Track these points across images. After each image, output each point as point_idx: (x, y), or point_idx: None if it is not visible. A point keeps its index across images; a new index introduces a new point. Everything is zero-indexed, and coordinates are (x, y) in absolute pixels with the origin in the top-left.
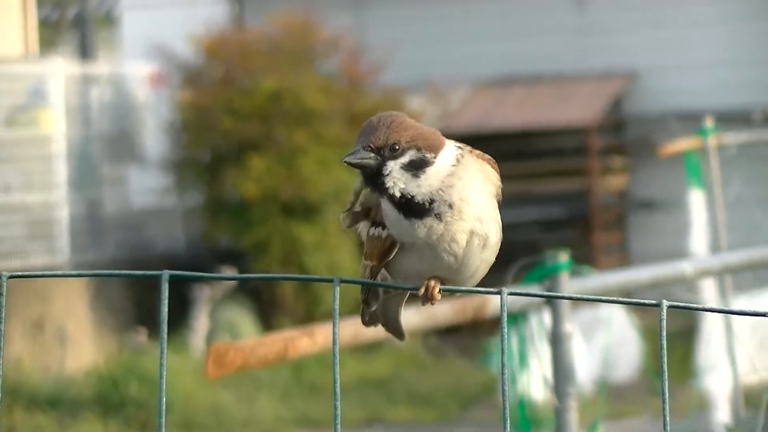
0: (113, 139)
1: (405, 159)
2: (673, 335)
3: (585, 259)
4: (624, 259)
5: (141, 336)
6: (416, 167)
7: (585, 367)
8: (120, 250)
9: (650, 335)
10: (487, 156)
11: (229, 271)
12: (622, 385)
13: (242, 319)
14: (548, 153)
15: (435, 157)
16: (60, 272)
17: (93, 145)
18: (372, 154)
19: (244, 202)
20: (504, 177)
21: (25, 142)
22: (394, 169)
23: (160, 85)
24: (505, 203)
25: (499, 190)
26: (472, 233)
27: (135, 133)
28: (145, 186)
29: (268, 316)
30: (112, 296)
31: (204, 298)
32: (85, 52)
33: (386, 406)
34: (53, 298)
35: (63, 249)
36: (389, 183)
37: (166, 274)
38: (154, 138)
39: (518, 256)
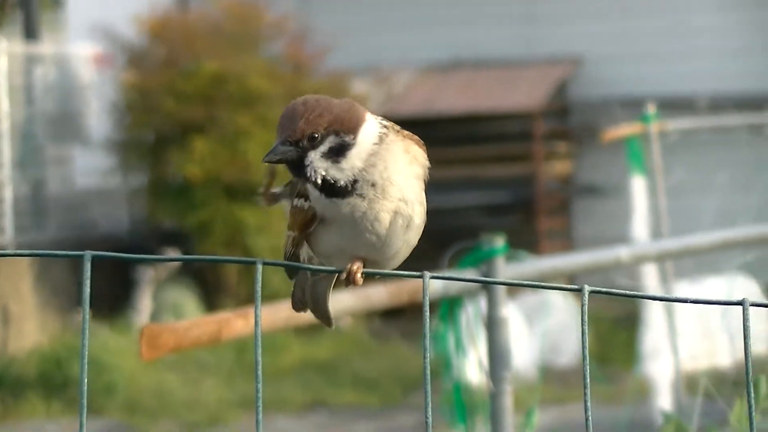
0: (57, 119)
1: (324, 147)
2: (617, 321)
3: (529, 244)
4: (568, 244)
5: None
6: (337, 153)
7: (528, 352)
8: (63, 231)
9: (591, 321)
10: (415, 136)
11: (172, 253)
12: (564, 370)
13: (186, 300)
14: (493, 138)
15: (355, 138)
16: None
17: (37, 125)
18: (291, 148)
19: (187, 184)
20: (448, 162)
21: None
22: (314, 158)
23: (105, 66)
24: (448, 188)
25: (426, 171)
26: (396, 213)
27: (79, 113)
28: (89, 166)
29: (212, 298)
30: (56, 276)
31: (148, 279)
32: (29, 31)
33: (329, 390)
34: None
35: (6, 229)
36: (310, 172)
37: (88, 254)
38: (98, 119)
39: (460, 240)
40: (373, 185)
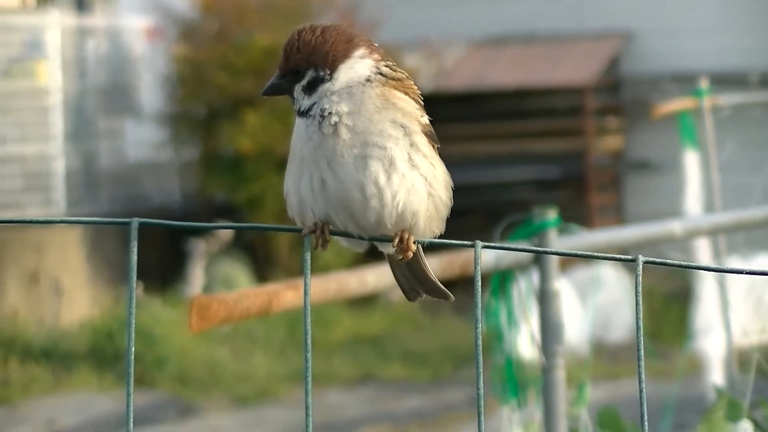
0: (109, 92)
1: (305, 81)
2: (668, 297)
3: (580, 219)
4: (619, 220)
5: (138, 288)
6: (311, 87)
7: (579, 327)
8: (115, 204)
9: (644, 296)
10: (407, 81)
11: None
12: (616, 346)
13: (237, 273)
14: (543, 113)
15: (331, 75)
16: (29, 219)
17: (89, 98)
18: (282, 81)
19: (239, 158)
20: (498, 136)
21: (21, 94)
22: (297, 92)
23: (156, 39)
24: (499, 162)
25: (417, 116)
26: (364, 158)
27: (131, 86)
28: (141, 139)
29: (263, 271)
30: (108, 249)
31: (199, 252)
32: (81, 4)
33: (380, 364)
34: (48, 250)
35: (59, 201)
36: (294, 103)
37: (135, 221)
38: (149, 92)
39: (510, 215)
40: (333, 124)
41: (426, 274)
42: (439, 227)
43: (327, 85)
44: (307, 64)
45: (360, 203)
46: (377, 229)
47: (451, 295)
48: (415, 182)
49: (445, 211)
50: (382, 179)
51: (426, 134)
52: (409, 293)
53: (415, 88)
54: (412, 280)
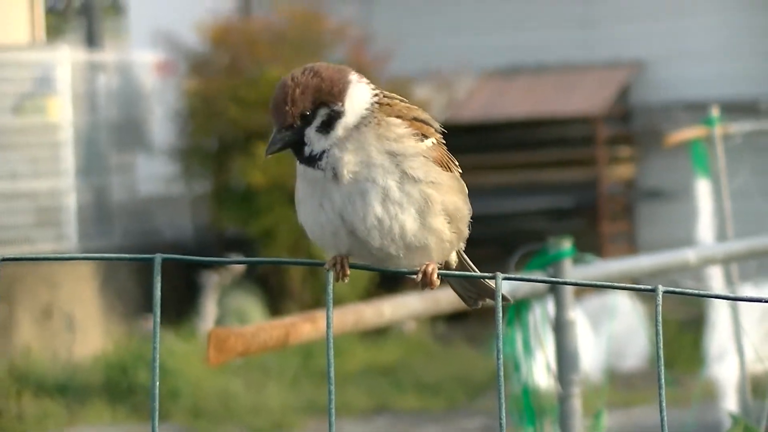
0: (120, 127)
1: (318, 121)
2: (682, 325)
3: (592, 248)
4: (632, 248)
5: (150, 322)
6: (328, 124)
7: (593, 355)
8: (127, 238)
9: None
10: (399, 104)
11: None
12: (630, 374)
13: (250, 305)
14: (555, 142)
15: (343, 106)
16: (51, 255)
17: (100, 133)
18: (288, 132)
19: (251, 191)
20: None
21: (32, 130)
22: (311, 135)
23: (167, 73)
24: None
25: (414, 141)
26: (361, 194)
27: (142, 120)
28: (152, 173)
29: (276, 303)
30: (121, 283)
31: (212, 284)
32: (91, 39)
33: (394, 394)
34: (61, 285)
35: (70, 236)
36: (310, 150)
37: (158, 257)
38: (160, 126)
39: (524, 245)
40: (337, 172)
41: (481, 282)
42: (460, 238)
43: (343, 120)
44: (314, 104)
45: (365, 237)
46: (392, 261)
47: (509, 298)
48: (412, 211)
49: (463, 222)
50: (379, 209)
51: (424, 156)
52: (468, 300)
53: (412, 108)
54: (468, 287)
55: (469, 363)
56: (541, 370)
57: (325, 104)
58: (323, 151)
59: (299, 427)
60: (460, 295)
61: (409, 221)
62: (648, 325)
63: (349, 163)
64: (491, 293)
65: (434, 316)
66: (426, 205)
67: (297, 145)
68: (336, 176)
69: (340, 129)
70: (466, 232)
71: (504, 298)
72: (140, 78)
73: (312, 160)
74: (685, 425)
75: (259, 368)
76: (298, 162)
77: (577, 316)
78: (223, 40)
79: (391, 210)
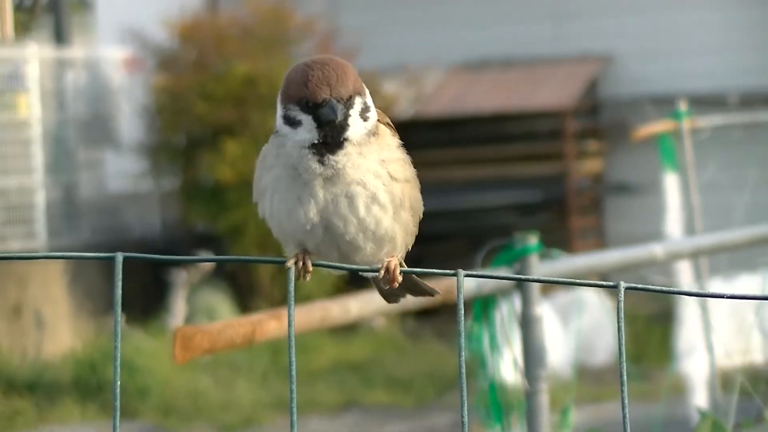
0: (88, 123)
1: (357, 108)
2: (651, 319)
3: (561, 242)
4: (600, 242)
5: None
6: (364, 114)
7: (561, 350)
8: (96, 235)
9: (626, 319)
10: (380, 115)
11: (204, 255)
12: (599, 369)
13: (220, 303)
14: (523, 137)
15: (371, 101)
16: (11, 254)
17: (68, 130)
18: (343, 107)
19: (219, 187)
20: (478, 161)
21: (1, 127)
22: (353, 118)
23: (135, 69)
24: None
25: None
26: (349, 196)
27: (110, 117)
28: (121, 170)
29: (245, 300)
30: (90, 280)
31: (181, 281)
32: (59, 36)
33: (363, 390)
34: (30, 283)
35: (40, 233)
36: (348, 133)
37: (119, 256)
38: (129, 122)
39: (493, 239)
40: (337, 163)
41: (410, 277)
42: (416, 231)
43: (371, 115)
44: (354, 90)
45: (341, 232)
46: (357, 254)
47: (437, 290)
48: (390, 209)
49: (419, 215)
50: (362, 212)
51: (402, 158)
52: (389, 296)
53: (380, 113)
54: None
55: (438, 359)
56: (508, 366)
57: (359, 94)
58: (345, 141)
59: (269, 423)
60: (381, 292)
61: (386, 218)
62: (615, 319)
63: (354, 165)
64: (415, 289)
65: (404, 312)
66: (401, 201)
67: (340, 125)
68: (335, 174)
69: (370, 123)
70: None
71: (429, 292)
72: (108, 74)
73: (334, 148)
74: (653, 420)
75: (228, 365)
76: (279, 146)
77: (546, 311)
78: (191, 35)
79: (372, 210)
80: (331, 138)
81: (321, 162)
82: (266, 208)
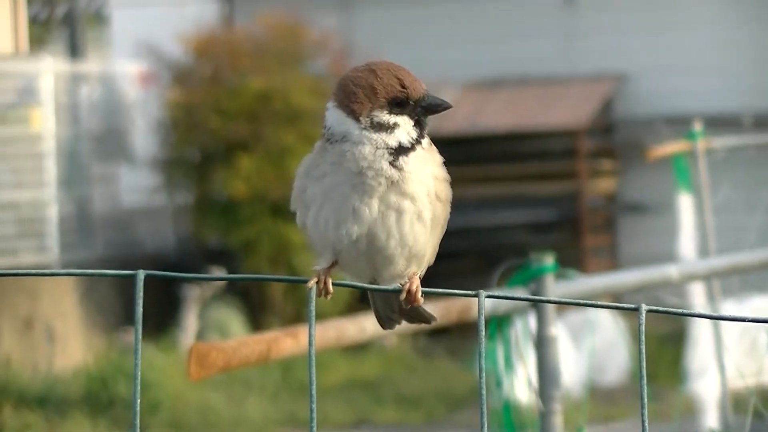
0: (102, 138)
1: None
2: (663, 339)
3: (574, 262)
4: (613, 262)
5: (130, 335)
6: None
7: (574, 370)
8: (109, 249)
9: (638, 339)
10: None
11: (217, 272)
12: (611, 389)
13: (231, 318)
14: (537, 155)
15: None
16: (31, 271)
17: (82, 144)
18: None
19: (232, 202)
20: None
21: (15, 140)
22: (425, 122)
23: (150, 84)
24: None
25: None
26: (398, 210)
27: (124, 131)
28: (135, 184)
29: (257, 316)
30: (102, 295)
31: (193, 297)
32: (74, 50)
33: (374, 408)
34: (42, 297)
35: (52, 247)
36: (408, 133)
37: (141, 273)
38: (143, 137)
39: (506, 258)
40: (401, 169)
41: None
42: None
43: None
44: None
45: (382, 246)
46: (389, 268)
47: (435, 316)
48: (428, 226)
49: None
50: (407, 227)
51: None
52: (386, 322)
53: None
54: (394, 310)
55: (449, 377)
56: (522, 386)
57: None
58: (419, 143)
59: None
60: (378, 317)
61: (424, 235)
62: (629, 340)
63: (416, 172)
64: (414, 316)
65: (415, 331)
66: (438, 220)
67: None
68: (400, 179)
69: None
70: None
71: (426, 319)
72: (123, 89)
73: (408, 150)
74: None
75: (239, 381)
76: (340, 155)
77: (559, 330)
78: (206, 50)
79: (415, 226)
80: (420, 136)
81: (393, 164)
82: (309, 219)
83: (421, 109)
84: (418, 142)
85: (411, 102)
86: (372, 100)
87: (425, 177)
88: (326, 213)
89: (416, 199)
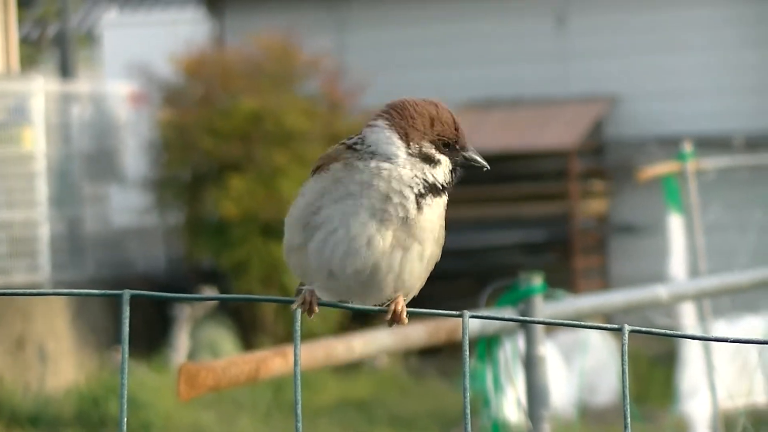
0: (94, 158)
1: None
2: (654, 360)
3: (565, 282)
4: (604, 283)
5: (118, 354)
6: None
7: (565, 390)
8: (100, 269)
9: (630, 360)
10: None
11: (209, 292)
12: (601, 409)
13: (223, 338)
14: (528, 176)
15: None
16: (18, 291)
17: (73, 163)
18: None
19: (224, 222)
20: (484, 200)
21: (6, 160)
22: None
23: (141, 104)
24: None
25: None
26: (405, 248)
27: (115, 151)
28: (126, 205)
29: (248, 336)
30: (93, 315)
31: (185, 317)
32: (65, 70)
33: (367, 428)
34: (34, 316)
35: (44, 267)
36: (442, 176)
37: (126, 293)
38: (134, 157)
39: (497, 279)
40: (411, 214)
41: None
42: None
43: None
44: None
45: (380, 279)
46: (376, 297)
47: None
48: (426, 264)
49: None
50: (408, 265)
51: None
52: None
53: None
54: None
55: (441, 397)
56: (511, 406)
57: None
58: (443, 189)
59: None
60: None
61: (420, 273)
62: (619, 360)
63: (430, 216)
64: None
65: (407, 350)
66: (435, 260)
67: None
68: (413, 220)
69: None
70: None
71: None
72: (114, 109)
73: (435, 192)
74: None
75: (230, 401)
76: (375, 174)
77: (550, 351)
78: (197, 71)
79: (415, 264)
80: (451, 183)
81: (418, 201)
82: (314, 242)
83: (462, 158)
84: (446, 189)
85: (457, 147)
86: (426, 132)
87: (436, 220)
88: (338, 239)
89: (424, 241)
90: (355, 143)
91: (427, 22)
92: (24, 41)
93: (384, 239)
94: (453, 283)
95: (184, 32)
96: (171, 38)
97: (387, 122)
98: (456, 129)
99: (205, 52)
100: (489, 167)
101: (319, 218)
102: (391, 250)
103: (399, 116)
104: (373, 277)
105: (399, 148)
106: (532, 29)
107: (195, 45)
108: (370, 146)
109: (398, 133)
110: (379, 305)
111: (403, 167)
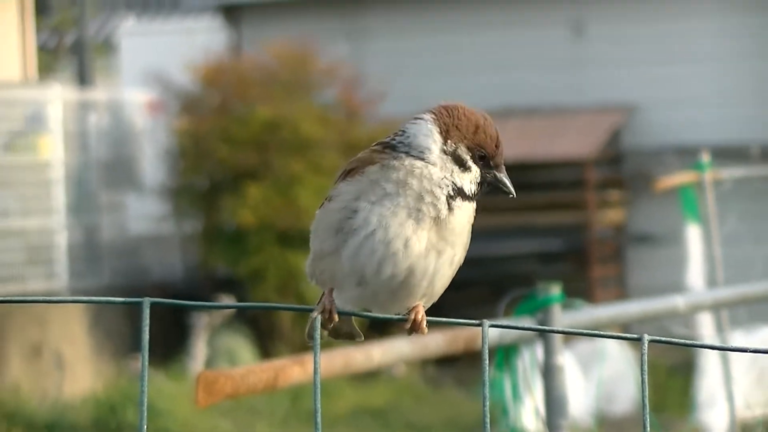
0: (111, 166)
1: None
2: (672, 369)
3: (582, 292)
4: (621, 292)
5: (138, 362)
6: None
7: (583, 399)
8: (117, 277)
9: (648, 369)
10: None
11: (226, 300)
12: (620, 418)
13: (240, 346)
14: (545, 185)
15: None
16: (39, 298)
17: (91, 171)
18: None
19: (240, 231)
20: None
21: (23, 168)
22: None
23: (158, 112)
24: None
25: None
26: (438, 251)
27: (132, 159)
28: (143, 213)
29: (266, 344)
30: (110, 322)
31: (202, 325)
32: (83, 78)
33: None
34: (51, 323)
35: (61, 274)
36: (476, 187)
37: (147, 301)
38: (151, 165)
39: (514, 288)
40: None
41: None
42: None
43: None
44: None
45: (414, 284)
46: (400, 304)
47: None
48: (453, 270)
49: None
50: (441, 268)
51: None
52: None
53: None
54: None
55: (458, 406)
56: (529, 415)
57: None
58: (471, 197)
59: None
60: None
61: (448, 279)
62: (637, 370)
63: (461, 218)
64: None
65: (424, 359)
66: (459, 265)
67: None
68: (445, 221)
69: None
70: None
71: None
72: (131, 117)
73: (463, 196)
74: None
75: (248, 409)
76: (409, 172)
77: (567, 360)
78: (214, 79)
79: (446, 270)
80: (477, 195)
81: (449, 201)
82: (349, 248)
83: (493, 176)
84: (472, 198)
85: (491, 164)
86: (467, 136)
87: (465, 224)
88: (376, 241)
89: (455, 245)
90: (393, 138)
91: (444, 31)
92: (41, 49)
93: (420, 241)
94: (467, 291)
95: (201, 41)
96: (188, 47)
97: (433, 116)
98: (497, 146)
99: (221, 60)
100: (515, 195)
101: (355, 222)
102: (426, 254)
103: (447, 114)
104: (407, 281)
105: (435, 143)
106: (548, 38)
107: (212, 53)
108: (408, 137)
109: (440, 129)
110: (399, 314)
111: (434, 165)
